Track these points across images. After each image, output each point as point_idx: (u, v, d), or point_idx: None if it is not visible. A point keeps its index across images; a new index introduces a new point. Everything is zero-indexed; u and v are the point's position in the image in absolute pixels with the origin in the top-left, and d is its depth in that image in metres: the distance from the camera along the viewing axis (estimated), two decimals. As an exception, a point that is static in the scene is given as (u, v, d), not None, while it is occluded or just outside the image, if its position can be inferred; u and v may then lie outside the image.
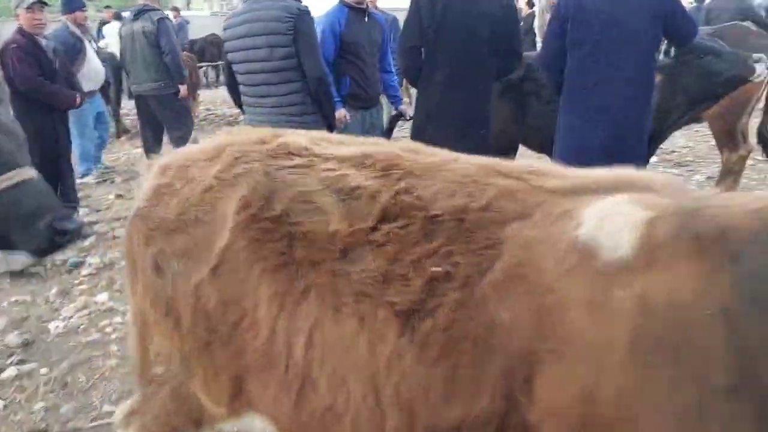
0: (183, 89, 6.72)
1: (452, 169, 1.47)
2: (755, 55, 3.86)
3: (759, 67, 3.81)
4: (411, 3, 3.85)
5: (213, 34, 14.61)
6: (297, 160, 1.55)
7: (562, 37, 3.58)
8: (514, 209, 1.33)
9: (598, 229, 1.19)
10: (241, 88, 3.98)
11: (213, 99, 7.41)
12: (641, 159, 3.69)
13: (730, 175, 5.51)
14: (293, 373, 1.43)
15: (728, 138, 5.38)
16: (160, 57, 6.48)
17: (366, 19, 4.57)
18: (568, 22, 3.54)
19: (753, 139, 5.58)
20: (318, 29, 4.13)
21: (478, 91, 3.78)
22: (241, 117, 4.69)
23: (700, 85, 3.93)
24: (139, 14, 6.51)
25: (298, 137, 1.65)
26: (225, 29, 3.96)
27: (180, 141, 6.85)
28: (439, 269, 1.30)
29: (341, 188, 1.46)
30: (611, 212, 1.22)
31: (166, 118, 6.77)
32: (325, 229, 1.41)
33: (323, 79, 3.85)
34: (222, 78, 10.76)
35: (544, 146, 4.50)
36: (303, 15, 3.72)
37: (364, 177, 1.47)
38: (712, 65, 3.86)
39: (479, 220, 1.33)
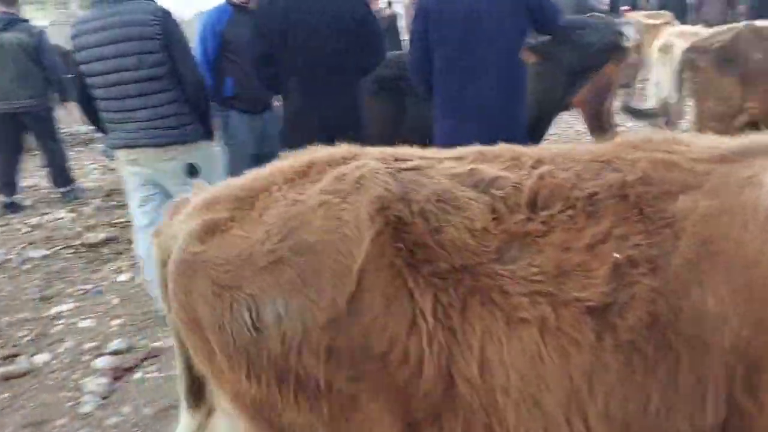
0: (70, 106, 6.36)
1: (581, 151, 1.33)
2: (623, 20, 4.15)
3: (628, 31, 4.05)
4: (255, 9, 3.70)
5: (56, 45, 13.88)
6: (411, 163, 1.34)
7: (425, 36, 3.52)
8: (678, 180, 1.19)
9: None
10: (102, 103, 3.56)
11: (61, 116, 6.88)
12: None
13: (603, 157, 5.93)
14: (468, 405, 1.18)
15: (597, 121, 5.78)
16: (38, 71, 6.19)
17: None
18: (429, 21, 3.49)
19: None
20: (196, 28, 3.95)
21: (337, 94, 3.61)
22: (98, 135, 4.29)
23: (578, 59, 4.03)
24: (8, 25, 6.18)
25: (385, 148, 1.45)
26: (74, 38, 3.53)
27: (55, 159, 6.55)
28: (619, 256, 1.13)
29: (478, 181, 1.27)
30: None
31: (43, 136, 6.47)
32: (472, 227, 1.21)
33: (201, 83, 3.66)
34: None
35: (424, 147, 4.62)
36: (168, 17, 3.47)
37: (496, 168, 1.29)
38: (585, 37, 4.00)
39: (644, 195, 1.18)
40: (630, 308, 1.10)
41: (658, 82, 6.85)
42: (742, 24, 5.37)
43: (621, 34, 4.16)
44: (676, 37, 6.70)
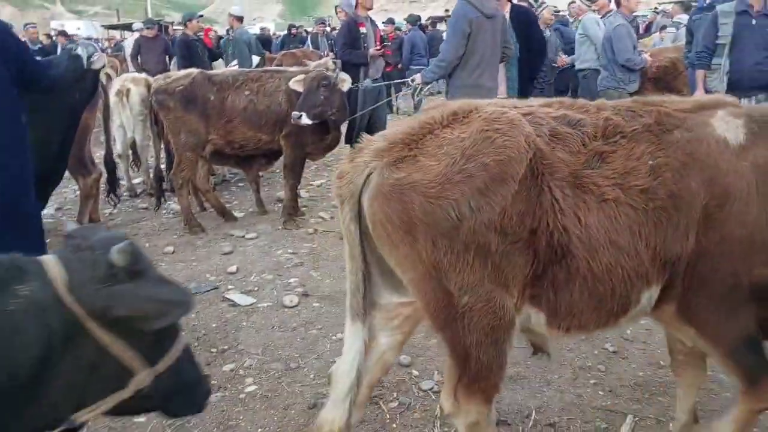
0: None
1: (613, 106, 2.26)
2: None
3: (80, 50, 4.04)
4: None
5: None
6: (526, 109, 2.19)
7: None
8: (673, 122, 2.16)
9: (725, 130, 2.14)
10: None
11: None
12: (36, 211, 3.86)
13: (89, 199, 5.96)
14: (577, 250, 2.05)
15: (80, 165, 5.75)
16: None
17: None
18: None
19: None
20: None
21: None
22: None
23: (59, 100, 4.12)
24: None
25: (495, 101, 2.37)
26: None
27: None
28: (653, 162, 2.08)
29: (570, 121, 2.17)
30: (725, 119, 2.17)
31: None
32: (572, 149, 2.09)
33: None
34: None
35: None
36: None
37: (576, 113, 2.19)
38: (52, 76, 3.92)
39: (659, 131, 2.14)
40: (659, 189, 2.07)
41: (120, 124, 7.29)
42: (197, 71, 6.37)
43: (82, 62, 4.10)
44: (130, 82, 7.23)
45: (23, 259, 1.59)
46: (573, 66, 8.43)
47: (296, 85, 5.80)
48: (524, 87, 6.46)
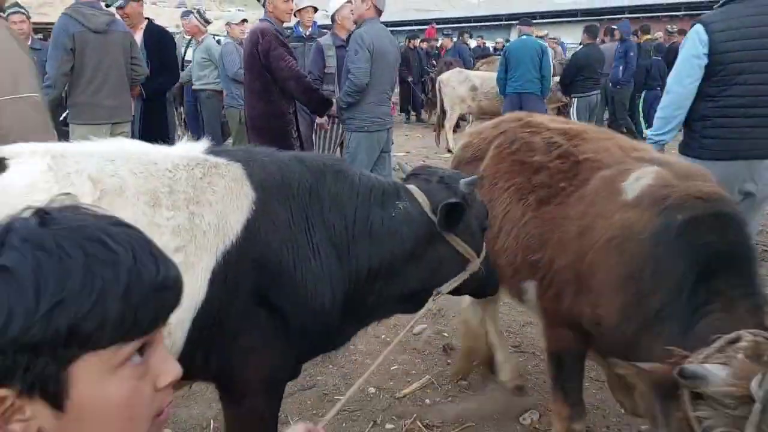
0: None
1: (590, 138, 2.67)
2: None
3: None
4: None
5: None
6: (530, 129, 2.86)
7: None
8: (606, 162, 2.46)
9: (630, 183, 2.25)
10: None
11: None
12: None
13: None
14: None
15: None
16: None
17: None
18: None
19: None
20: None
21: None
22: None
23: None
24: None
25: (537, 116, 3.08)
26: None
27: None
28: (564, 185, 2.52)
29: (549, 142, 2.71)
30: (641, 176, 2.25)
31: None
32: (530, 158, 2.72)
33: None
34: None
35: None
36: None
37: (556, 136, 2.72)
38: None
39: (588, 166, 2.49)
40: (559, 204, 2.52)
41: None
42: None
43: None
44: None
45: (400, 185, 2.30)
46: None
47: None
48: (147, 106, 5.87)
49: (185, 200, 1.81)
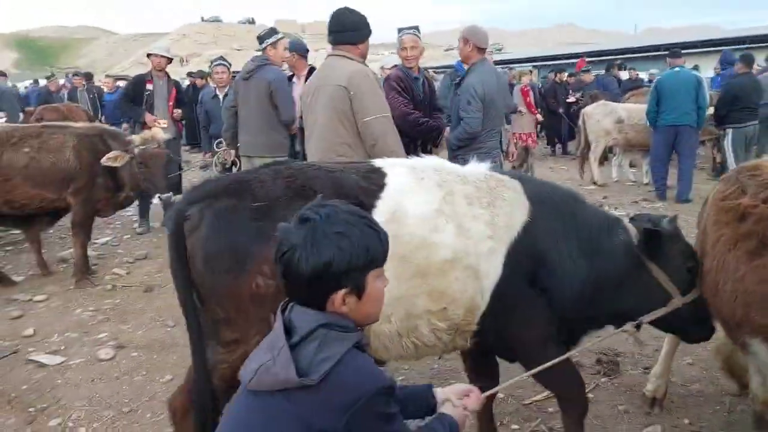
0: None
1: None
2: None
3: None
4: None
5: None
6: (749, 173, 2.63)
7: None
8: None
9: None
10: None
11: None
12: None
13: None
14: None
15: None
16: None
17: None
18: None
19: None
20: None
21: None
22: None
23: None
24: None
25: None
26: None
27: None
28: None
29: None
30: None
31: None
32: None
33: None
34: None
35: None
36: None
37: None
38: None
39: None
40: None
41: None
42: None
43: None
44: None
45: (618, 218, 2.79)
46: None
47: (110, 161, 5.68)
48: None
49: (487, 203, 2.49)
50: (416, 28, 5.64)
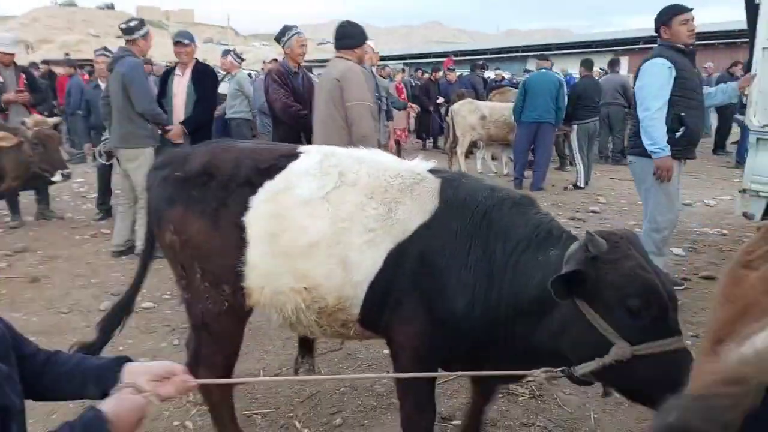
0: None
1: None
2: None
3: None
4: None
5: None
6: None
7: None
8: None
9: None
10: None
11: None
12: None
13: None
14: None
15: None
16: None
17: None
18: None
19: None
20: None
21: None
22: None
23: None
24: None
25: None
26: None
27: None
28: None
29: None
30: None
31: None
32: None
33: None
34: None
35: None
36: None
37: None
38: None
39: None
40: None
41: None
42: None
43: None
44: None
45: (569, 235, 2.32)
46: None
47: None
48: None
49: (391, 199, 2.48)
50: (296, 26, 6.19)
